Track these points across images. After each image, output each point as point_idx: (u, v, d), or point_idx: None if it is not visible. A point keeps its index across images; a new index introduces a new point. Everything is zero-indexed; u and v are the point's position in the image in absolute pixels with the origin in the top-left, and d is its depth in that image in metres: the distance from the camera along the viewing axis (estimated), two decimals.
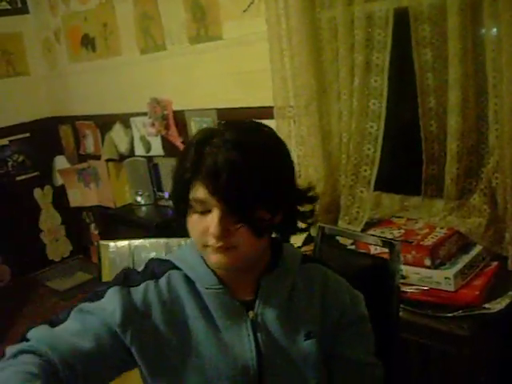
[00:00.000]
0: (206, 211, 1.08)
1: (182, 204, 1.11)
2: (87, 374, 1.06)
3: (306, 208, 1.21)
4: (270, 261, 1.22)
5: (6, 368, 0.99)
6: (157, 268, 1.21)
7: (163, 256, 1.30)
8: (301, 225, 1.22)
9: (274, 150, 1.13)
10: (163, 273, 1.20)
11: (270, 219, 1.12)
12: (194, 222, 1.10)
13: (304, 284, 1.24)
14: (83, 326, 1.10)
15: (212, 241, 1.08)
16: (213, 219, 1.06)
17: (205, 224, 1.08)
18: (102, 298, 1.14)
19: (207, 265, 1.18)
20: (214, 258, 1.10)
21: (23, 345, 1.06)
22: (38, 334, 1.09)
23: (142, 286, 1.16)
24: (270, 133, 1.16)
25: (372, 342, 1.28)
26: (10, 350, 1.05)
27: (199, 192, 1.06)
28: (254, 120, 1.20)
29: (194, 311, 1.16)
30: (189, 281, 1.19)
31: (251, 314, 1.18)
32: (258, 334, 1.16)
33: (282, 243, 1.26)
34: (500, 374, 1.91)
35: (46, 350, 1.04)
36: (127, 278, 1.19)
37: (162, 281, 1.18)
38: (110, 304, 1.12)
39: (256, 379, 1.15)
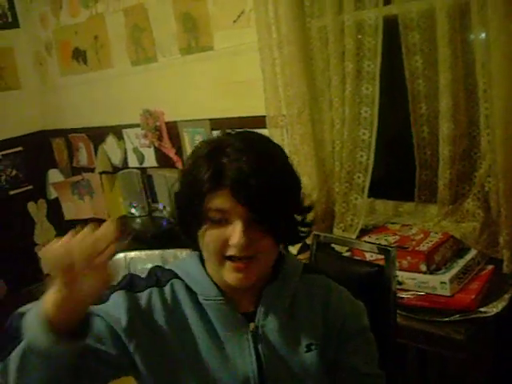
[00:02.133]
0: (224, 222, 1.07)
1: (195, 217, 1.10)
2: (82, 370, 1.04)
3: (306, 216, 1.22)
4: (272, 271, 1.22)
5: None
6: (161, 275, 1.21)
7: (166, 265, 1.29)
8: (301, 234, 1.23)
9: (285, 158, 1.16)
10: (167, 281, 1.19)
11: (288, 225, 1.14)
12: (211, 234, 1.08)
13: (305, 295, 1.24)
14: None
15: (233, 251, 1.07)
16: (235, 230, 1.06)
17: (224, 235, 1.07)
18: (107, 301, 1.13)
19: (209, 276, 1.18)
20: (232, 277, 1.10)
21: None
22: None
23: (147, 292, 1.17)
24: (272, 142, 1.18)
25: (374, 353, 1.28)
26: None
27: (223, 202, 1.06)
28: (249, 130, 1.21)
29: (197, 322, 1.16)
30: (191, 292, 1.18)
31: (252, 325, 1.17)
32: (259, 346, 1.16)
33: (283, 253, 1.25)
34: (496, 377, 1.92)
35: None
36: (132, 283, 1.19)
37: (166, 288, 1.18)
38: (116, 309, 1.12)
39: None
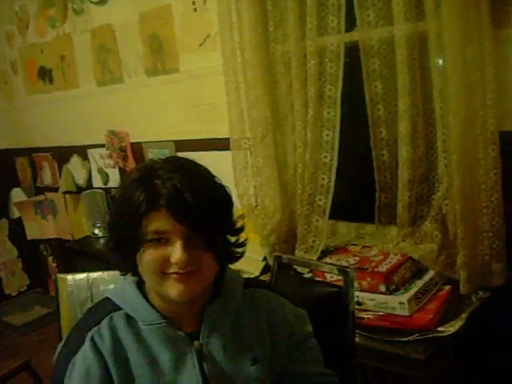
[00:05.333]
0: (163, 242, 1.09)
1: (132, 242, 1.11)
2: None
3: (240, 237, 1.25)
4: (214, 289, 1.23)
5: None
6: (93, 316, 1.22)
7: (104, 293, 1.30)
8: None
9: (214, 176, 1.18)
10: (102, 318, 1.19)
11: (224, 244, 1.17)
12: (150, 254, 1.09)
13: (248, 309, 1.26)
14: None
15: (175, 268, 1.08)
16: (176, 248, 1.07)
17: (164, 254, 1.09)
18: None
19: (148, 302, 1.20)
20: (175, 289, 1.10)
21: None
22: None
23: (86, 344, 1.16)
24: (199, 163, 1.20)
25: (321, 354, 1.32)
26: None
27: (161, 223, 1.07)
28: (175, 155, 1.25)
29: (137, 353, 1.16)
30: (130, 320, 1.19)
31: (196, 343, 1.18)
32: (204, 364, 1.17)
33: (222, 270, 1.26)
34: None
35: None
36: (70, 343, 1.20)
37: (103, 326, 1.18)
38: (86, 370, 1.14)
39: None
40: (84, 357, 1.15)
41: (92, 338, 1.16)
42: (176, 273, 1.09)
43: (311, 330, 1.32)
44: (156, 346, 1.17)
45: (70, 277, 2.02)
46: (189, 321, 1.21)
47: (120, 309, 1.21)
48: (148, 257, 1.10)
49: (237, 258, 1.25)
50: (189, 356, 1.17)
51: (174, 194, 1.06)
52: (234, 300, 1.25)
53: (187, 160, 1.20)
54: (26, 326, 4.35)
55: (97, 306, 1.27)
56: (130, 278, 1.25)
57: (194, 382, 1.16)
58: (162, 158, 1.18)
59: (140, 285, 1.24)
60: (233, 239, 1.23)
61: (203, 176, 1.16)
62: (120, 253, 1.18)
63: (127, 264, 1.18)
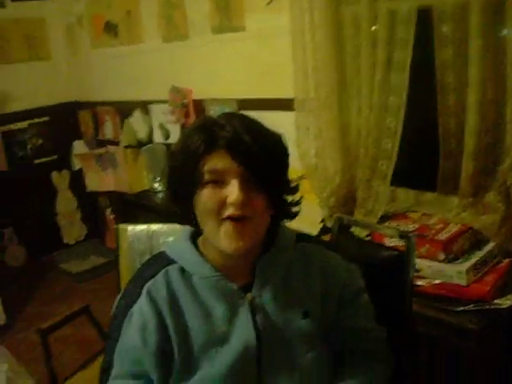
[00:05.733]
0: (220, 183, 1.11)
1: (190, 183, 1.13)
2: None
3: (294, 197, 1.27)
4: (266, 243, 1.25)
5: None
6: (149, 270, 1.26)
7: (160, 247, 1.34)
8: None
9: (274, 130, 1.21)
10: (157, 271, 1.24)
11: (279, 201, 1.19)
12: (207, 195, 1.12)
13: (300, 263, 1.27)
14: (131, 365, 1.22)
15: (230, 211, 1.10)
16: (233, 187, 1.09)
17: (221, 196, 1.11)
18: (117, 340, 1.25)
19: (202, 256, 1.23)
20: (228, 242, 1.12)
21: None
22: None
23: (143, 296, 1.22)
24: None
25: (372, 309, 1.33)
26: None
27: (218, 163, 1.10)
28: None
29: (191, 306, 1.20)
30: (184, 273, 1.23)
31: (249, 296, 1.21)
32: (256, 316, 1.20)
33: (275, 225, 1.28)
34: (505, 370, 1.94)
35: None
36: (120, 303, 1.29)
37: (159, 279, 1.23)
38: (134, 342, 1.21)
39: (255, 358, 1.18)
40: (140, 310, 1.21)
41: (148, 292, 1.22)
42: (231, 218, 1.11)
43: (363, 285, 1.33)
44: (210, 299, 1.20)
45: (130, 228, 2.08)
46: (241, 274, 1.23)
47: (175, 262, 1.25)
48: (205, 198, 1.12)
49: (291, 215, 1.27)
50: (242, 308, 1.20)
51: (233, 135, 1.10)
52: (286, 254, 1.27)
53: (243, 115, 1.23)
54: (82, 274, 4.48)
55: (153, 259, 1.33)
56: (186, 232, 1.29)
57: (247, 333, 1.18)
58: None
59: (195, 239, 1.28)
60: (289, 198, 1.25)
61: (261, 125, 1.18)
62: (178, 200, 1.21)
63: (185, 212, 1.20)
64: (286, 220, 1.29)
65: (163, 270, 1.24)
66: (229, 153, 1.09)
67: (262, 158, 1.10)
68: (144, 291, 1.22)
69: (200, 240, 1.28)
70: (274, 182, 1.15)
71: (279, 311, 1.21)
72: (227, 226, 1.12)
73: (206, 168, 1.11)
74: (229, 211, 1.11)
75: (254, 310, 1.20)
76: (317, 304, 1.25)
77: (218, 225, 1.13)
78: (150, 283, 1.23)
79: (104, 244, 4.86)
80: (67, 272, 4.57)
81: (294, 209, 1.27)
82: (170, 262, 1.25)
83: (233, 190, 1.09)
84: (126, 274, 1.93)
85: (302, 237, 1.35)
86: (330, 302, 1.26)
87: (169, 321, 1.19)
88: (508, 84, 1.92)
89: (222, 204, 1.11)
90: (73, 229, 4.97)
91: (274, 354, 1.20)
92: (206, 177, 1.11)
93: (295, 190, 1.26)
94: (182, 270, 1.23)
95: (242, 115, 1.20)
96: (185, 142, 1.16)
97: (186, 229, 1.29)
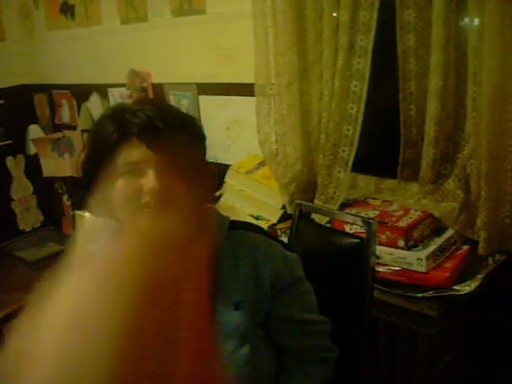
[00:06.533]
0: (135, 174, 1.08)
1: (104, 173, 1.09)
2: None
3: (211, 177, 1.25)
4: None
5: None
6: None
7: None
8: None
9: (186, 112, 1.20)
10: None
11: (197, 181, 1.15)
12: (123, 186, 1.09)
13: (230, 252, 1.24)
14: None
15: (146, 199, 1.07)
16: (148, 177, 1.07)
17: (137, 185, 1.08)
18: None
19: None
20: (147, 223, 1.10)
21: None
22: None
23: None
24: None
25: (311, 301, 1.31)
26: None
27: (132, 153, 1.07)
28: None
29: None
30: None
31: None
32: None
33: (208, 211, 1.26)
34: (465, 356, 1.97)
35: None
36: None
37: None
38: None
39: None
40: None
41: None
42: (149, 205, 1.08)
43: (302, 274, 1.31)
44: None
45: (87, 214, 2.03)
46: None
47: None
48: (120, 189, 1.09)
49: (212, 199, 1.25)
50: None
51: (145, 121, 1.07)
52: (215, 242, 1.23)
53: (158, 98, 1.20)
54: (38, 261, 4.40)
55: None
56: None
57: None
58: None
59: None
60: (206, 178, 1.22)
61: (174, 108, 1.17)
62: (93, 189, 1.15)
63: (100, 201, 1.16)
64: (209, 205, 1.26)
65: None
66: (142, 141, 1.06)
67: (176, 145, 1.08)
68: None
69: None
70: (191, 168, 1.12)
71: (210, 302, 1.18)
72: (146, 211, 1.09)
73: (120, 161, 1.08)
74: (145, 199, 1.08)
75: None
76: (249, 295, 1.22)
77: (134, 213, 1.10)
78: None
79: (61, 231, 4.77)
80: (23, 260, 4.47)
81: (214, 193, 1.25)
82: None
83: (148, 180, 1.07)
84: None
85: (238, 224, 1.31)
86: (263, 291, 1.24)
87: None
88: (469, 72, 1.93)
89: (139, 193, 1.08)
90: (29, 215, 4.86)
91: None
92: (121, 169, 1.08)
93: (213, 174, 1.24)
94: None
95: (156, 100, 1.18)
96: (96, 131, 1.13)
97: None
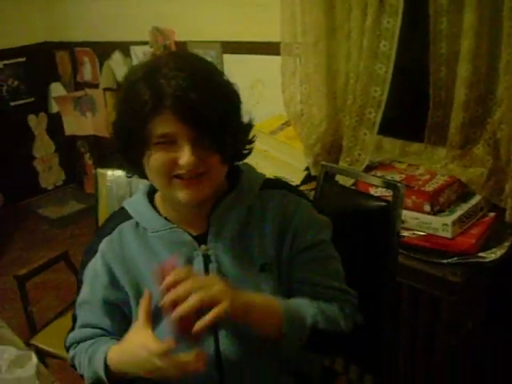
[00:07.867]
0: (170, 145, 1.07)
1: (138, 145, 1.09)
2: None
3: (248, 134, 1.22)
4: (226, 189, 1.22)
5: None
6: (107, 227, 1.26)
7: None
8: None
9: (221, 73, 1.15)
10: (114, 228, 1.24)
11: (232, 143, 1.13)
12: (157, 158, 1.08)
13: (260, 211, 1.22)
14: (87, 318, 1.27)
15: (183, 170, 1.07)
16: (184, 151, 1.05)
17: (172, 157, 1.07)
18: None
19: (157, 210, 1.22)
20: (183, 193, 1.10)
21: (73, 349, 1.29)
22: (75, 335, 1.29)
23: (98, 253, 1.23)
24: (205, 59, 1.18)
25: (336, 269, 1.26)
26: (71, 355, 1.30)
27: (167, 126, 1.05)
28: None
29: (145, 261, 1.20)
30: (139, 229, 1.22)
31: (203, 248, 1.18)
32: (210, 267, 1.16)
33: (239, 169, 1.25)
34: (486, 323, 1.95)
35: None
36: (84, 258, 1.28)
37: (114, 237, 1.23)
38: (86, 295, 1.26)
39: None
40: (94, 266, 1.23)
41: (102, 251, 1.23)
42: (183, 177, 1.08)
43: (327, 238, 1.26)
44: (163, 253, 1.18)
45: (109, 173, 2.03)
46: (197, 224, 1.20)
47: (132, 218, 1.23)
48: (155, 161, 1.09)
49: (245, 155, 1.22)
50: (196, 260, 1.17)
51: (179, 93, 1.03)
52: (246, 199, 1.21)
53: (192, 55, 1.18)
54: (61, 219, 4.45)
55: (113, 215, 1.31)
56: (144, 187, 1.28)
57: None
58: (160, 54, 1.15)
59: (152, 193, 1.26)
60: (242, 137, 1.19)
61: (209, 73, 1.12)
62: (126, 154, 1.16)
63: (134, 166, 1.17)
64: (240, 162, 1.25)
65: (118, 228, 1.23)
66: (177, 114, 1.03)
67: (211, 116, 1.04)
68: (100, 248, 1.23)
69: (157, 195, 1.26)
70: (226, 135, 1.09)
71: (235, 264, 1.18)
72: (180, 182, 1.10)
73: (154, 132, 1.06)
74: (181, 171, 1.08)
75: (208, 262, 1.17)
76: (274, 256, 1.20)
77: (170, 182, 1.11)
78: (104, 242, 1.23)
79: (83, 189, 4.79)
80: (45, 217, 4.52)
81: (249, 146, 1.22)
82: (128, 218, 1.24)
83: (184, 153, 1.05)
84: (103, 218, 1.88)
85: (272, 183, 1.29)
86: (285, 249, 1.21)
87: (122, 278, 1.20)
88: (503, 34, 1.86)
89: (174, 165, 1.08)
90: (51, 173, 4.89)
91: None
92: (155, 140, 1.07)
93: (249, 127, 1.21)
94: (137, 226, 1.22)
95: (190, 60, 1.13)
96: (130, 95, 1.10)
97: (146, 183, 1.26)
